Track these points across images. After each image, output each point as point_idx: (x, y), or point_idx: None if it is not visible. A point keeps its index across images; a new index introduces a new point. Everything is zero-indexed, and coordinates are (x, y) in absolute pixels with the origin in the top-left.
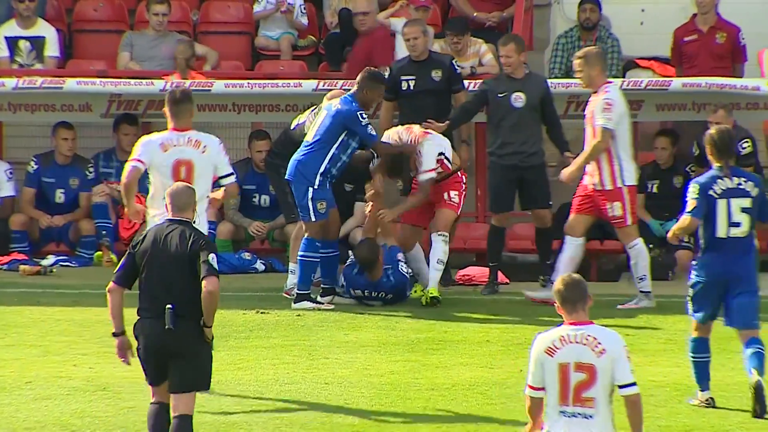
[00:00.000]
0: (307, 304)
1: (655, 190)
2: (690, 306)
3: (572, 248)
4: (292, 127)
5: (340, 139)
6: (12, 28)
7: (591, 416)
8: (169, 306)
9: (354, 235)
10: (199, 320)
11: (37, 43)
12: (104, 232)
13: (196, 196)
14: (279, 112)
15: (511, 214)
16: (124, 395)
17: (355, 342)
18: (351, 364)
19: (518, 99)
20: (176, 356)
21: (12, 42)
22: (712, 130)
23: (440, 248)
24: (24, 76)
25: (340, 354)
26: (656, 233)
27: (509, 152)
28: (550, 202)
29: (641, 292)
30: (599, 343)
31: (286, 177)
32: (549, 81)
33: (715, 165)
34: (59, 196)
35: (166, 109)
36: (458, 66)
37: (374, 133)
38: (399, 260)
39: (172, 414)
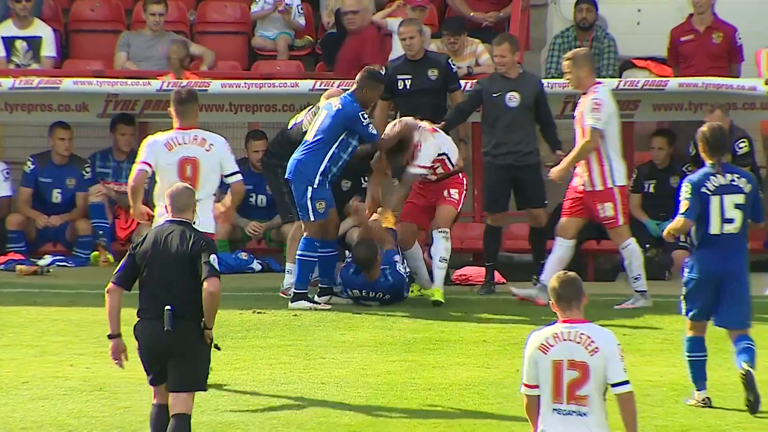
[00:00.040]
0: (304, 303)
1: (651, 190)
2: (683, 305)
3: (562, 250)
4: (289, 126)
5: (340, 138)
6: (9, 27)
7: (585, 414)
8: (167, 307)
9: (351, 235)
10: (199, 321)
11: (34, 43)
12: (101, 232)
13: (203, 194)
14: (276, 112)
15: (508, 214)
16: (120, 395)
17: (352, 342)
18: (348, 364)
19: (512, 99)
20: (175, 356)
21: (8, 42)
22: (704, 128)
23: (442, 246)
24: (21, 76)
25: (336, 354)
26: (653, 233)
27: (504, 152)
28: (546, 202)
29: (637, 291)
30: (592, 342)
31: (285, 176)
32: (546, 81)
33: (708, 162)
34: (56, 196)
35: (172, 109)
36: (455, 66)
37: (375, 132)
38: (396, 261)
39: (170, 413)
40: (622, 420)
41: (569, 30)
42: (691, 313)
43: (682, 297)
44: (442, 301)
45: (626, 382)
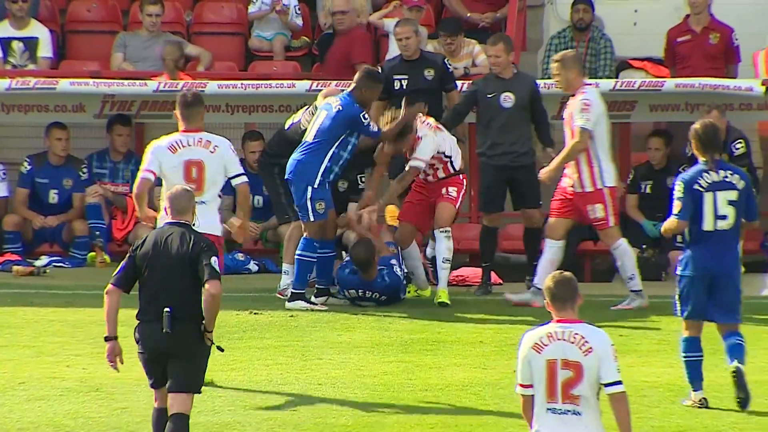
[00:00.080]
0: (301, 303)
1: (648, 190)
2: (678, 304)
3: (552, 251)
4: (286, 127)
5: (341, 138)
6: (5, 28)
7: (579, 413)
8: (167, 309)
9: (348, 236)
10: (199, 323)
11: (31, 43)
12: (97, 232)
13: (209, 197)
14: (272, 112)
15: (504, 214)
16: (117, 396)
17: (349, 343)
18: (344, 365)
19: (507, 99)
20: (174, 357)
21: (5, 43)
22: (697, 125)
23: (444, 245)
24: (17, 76)
25: (333, 355)
26: (649, 233)
27: (499, 153)
28: (540, 202)
29: (632, 291)
30: (587, 342)
31: (285, 176)
32: (542, 82)
33: (701, 159)
34: (53, 196)
35: (177, 112)
36: (451, 66)
37: (377, 129)
38: (393, 264)
39: (168, 413)
40: (616, 421)
41: (566, 31)
42: (685, 313)
43: (676, 297)
44: (448, 302)
45: (619, 383)
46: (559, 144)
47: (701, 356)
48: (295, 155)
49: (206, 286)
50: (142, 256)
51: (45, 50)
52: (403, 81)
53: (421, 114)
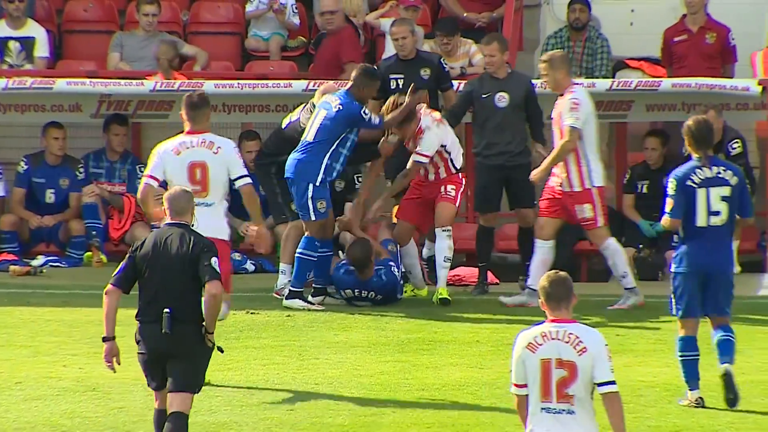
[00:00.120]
0: (298, 302)
1: (645, 190)
2: (673, 303)
3: (543, 251)
4: (284, 126)
5: (341, 136)
6: (2, 28)
7: (573, 412)
8: (166, 310)
9: (345, 235)
10: (199, 323)
11: (27, 43)
12: (94, 232)
13: (215, 198)
14: (269, 112)
15: (500, 214)
16: (113, 396)
17: (345, 342)
18: (341, 365)
19: (502, 99)
20: (174, 358)
21: (2, 42)
22: (690, 122)
23: (445, 245)
24: (14, 76)
25: (330, 354)
26: (646, 233)
27: (495, 152)
28: (535, 202)
29: (626, 289)
30: (581, 342)
31: (285, 175)
32: (539, 81)
33: (695, 156)
34: (49, 196)
35: (183, 113)
36: (447, 66)
37: (379, 120)
38: (391, 264)
39: (167, 412)
40: (609, 421)
41: (562, 30)
42: (680, 311)
43: (672, 296)
44: (449, 298)
45: (612, 382)
46: (547, 143)
47: (698, 355)
48: (295, 154)
49: (207, 286)
50: (142, 256)
51: (42, 50)
52: (399, 80)
53: (424, 105)
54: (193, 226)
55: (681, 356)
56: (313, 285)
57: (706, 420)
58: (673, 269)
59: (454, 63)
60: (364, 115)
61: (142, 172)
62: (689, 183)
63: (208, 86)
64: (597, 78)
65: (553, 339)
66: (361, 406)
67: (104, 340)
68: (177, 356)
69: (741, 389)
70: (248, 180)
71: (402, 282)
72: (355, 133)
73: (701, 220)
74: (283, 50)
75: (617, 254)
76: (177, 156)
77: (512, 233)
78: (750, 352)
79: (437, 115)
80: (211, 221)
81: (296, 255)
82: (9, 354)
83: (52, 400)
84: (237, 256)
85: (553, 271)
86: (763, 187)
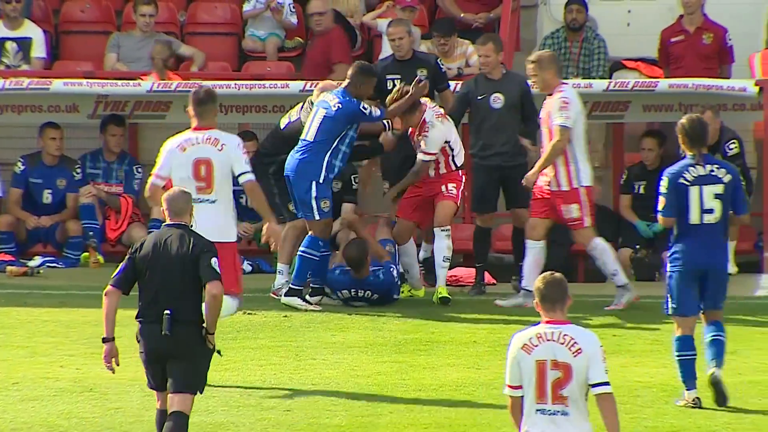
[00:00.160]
0: (297, 300)
1: (641, 191)
2: (669, 302)
3: (534, 252)
4: (282, 126)
5: (342, 134)
6: None
7: (568, 414)
8: (167, 312)
9: (341, 235)
10: (199, 324)
11: (24, 44)
12: (91, 233)
13: (220, 195)
14: (266, 113)
15: (497, 215)
16: (110, 396)
17: (342, 343)
18: (338, 365)
19: (497, 100)
20: (174, 358)
21: None
22: (684, 120)
23: (444, 244)
24: (10, 77)
25: (327, 355)
26: (643, 234)
27: (491, 153)
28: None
29: (618, 287)
30: (576, 343)
31: (285, 174)
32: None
33: (688, 154)
34: (46, 196)
35: (190, 109)
36: (444, 66)
37: (379, 111)
38: (390, 264)
39: (168, 412)
40: (603, 422)
41: (559, 31)
42: (675, 310)
43: (668, 295)
44: (449, 297)
45: (607, 383)
46: (536, 142)
47: (694, 355)
48: (296, 154)
49: (207, 287)
50: (142, 257)
51: (38, 50)
52: (396, 81)
53: (428, 99)
54: (191, 226)
55: (678, 356)
56: (311, 285)
57: (703, 420)
58: (668, 268)
59: (451, 63)
60: (363, 109)
61: (139, 172)
62: (681, 181)
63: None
64: (594, 79)
65: (548, 340)
66: (358, 406)
67: (104, 341)
68: (177, 357)
69: (738, 390)
70: (251, 177)
71: (399, 282)
72: (355, 129)
73: (694, 218)
74: (280, 51)
75: (605, 253)
76: (182, 153)
77: (509, 234)
78: (747, 352)
79: (440, 109)
80: (218, 219)
81: (298, 253)
82: (6, 354)
83: (49, 401)
84: None
85: (549, 272)
86: (760, 188)
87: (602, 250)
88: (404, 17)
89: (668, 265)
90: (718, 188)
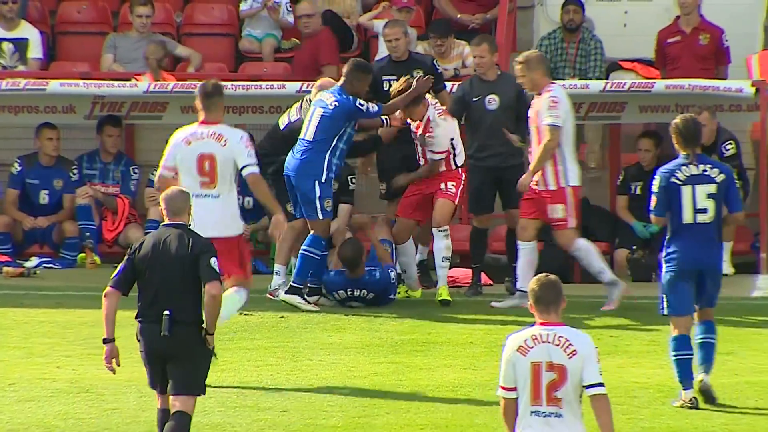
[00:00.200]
0: (297, 298)
1: (638, 191)
2: (665, 302)
3: (526, 252)
4: (282, 126)
5: (340, 131)
6: None
7: (562, 416)
8: (166, 312)
9: (337, 236)
10: (199, 325)
11: (20, 44)
12: (88, 233)
13: (223, 190)
14: (263, 113)
15: (494, 215)
16: (107, 397)
17: (339, 344)
18: (334, 366)
19: (492, 101)
20: (176, 359)
21: None
22: (677, 119)
23: (443, 245)
24: (7, 77)
25: (323, 356)
26: (640, 234)
27: (487, 154)
28: None
29: (607, 284)
30: (571, 345)
31: (285, 173)
32: None
33: (682, 153)
34: (43, 197)
35: (198, 102)
36: (440, 67)
37: (377, 108)
38: (389, 266)
39: (171, 412)
40: (597, 422)
41: (556, 32)
42: (672, 310)
43: (664, 295)
44: (450, 299)
45: (601, 384)
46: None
47: (691, 354)
48: (296, 153)
49: (206, 287)
50: (142, 258)
51: (35, 51)
52: (392, 82)
53: (431, 96)
54: (190, 225)
55: (674, 356)
56: (309, 285)
57: (699, 421)
58: (663, 268)
59: (448, 65)
60: (360, 106)
61: (135, 173)
62: (673, 180)
63: None
64: (590, 79)
65: (543, 342)
66: (354, 407)
67: (104, 342)
68: (177, 358)
69: (735, 390)
70: (254, 169)
71: (396, 284)
72: (353, 126)
73: (688, 217)
74: (276, 52)
75: (589, 253)
76: (187, 146)
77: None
78: (743, 353)
79: (441, 107)
80: (222, 213)
81: (300, 252)
82: (2, 355)
83: (45, 402)
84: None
85: (543, 274)
86: (757, 189)
87: (586, 250)
88: (400, 18)
89: (663, 264)
90: (711, 188)
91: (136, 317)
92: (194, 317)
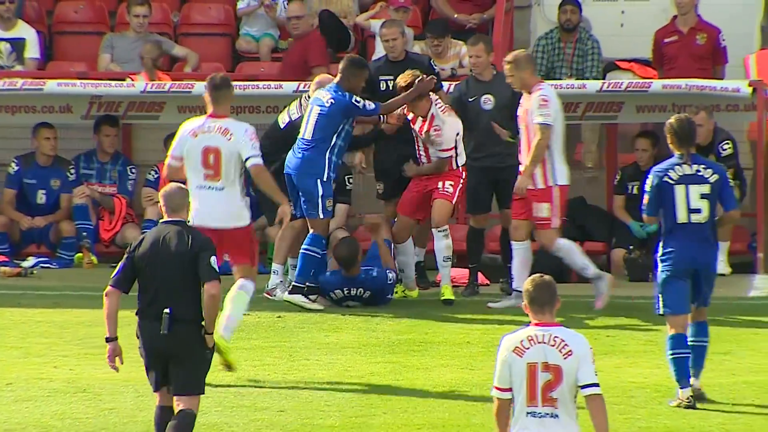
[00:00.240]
0: (300, 298)
1: (635, 191)
2: (660, 301)
3: (520, 253)
4: (282, 126)
5: (339, 129)
6: None
7: (557, 416)
8: (166, 310)
9: (335, 236)
10: (199, 322)
11: (18, 44)
12: (85, 233)
13: (227, 183)
14: (259, 113)
15: (491, 215)
16: (104, 397)
17: (336, 343)
18: (331, 366)
19: (487, 101)
20: (176, 359)
21: None
22: (672, 119)
23: (443, 244)
24: (4, 77)
25: (320, 355)
26: (636, 234)
27: (484, 155)
28: None
29: (593, 279)
30: (566, 345)
31: (286, 171)
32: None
33: (676, 153)
34: (40, 197)
35: (206, 95)
36: (437, 67)
37: (373, 105)
38: (387, 267)
39: (175, 410)
40: (592, 422)
41: (553, 32)
42: (668, 309)
43: (660, 295)
44: (453, 298)
45: (596, 385)
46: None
47: (688, 353)
48: (296, 152)
49: (206, 287)
50: (141, 256)
51: (32, 51)
52: (389, 82)
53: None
54: (188, 222)
55: (671, 354)
56: (307, 283)
57: (696, 421)
58: (659, 267)
59: (445, 65)
60: (356, 103)
61: (133, 173)
62: (666, 179)
63: (199, 87)
64: (587, 79)
65: (539, 343)
66: (351, 407)
67: (107, 340)
68: (178, 357)
69: (732, 390)
70: (257, 160)
71: (394, 285)
72: (351, 123)
73: (682, 217)
74: (273, 52)
75: (571, 251)
76: (194, 138)
77: None
78: (741, 353)
79: (443, 104)
80: (227, 205)
81: (301, 251)
82: None
83: (42, 401)
84: (227, 257)
85: (538, 274)
86: (754, 189)
87: (567, 249)
88: (397, 18)
89: (659, 264)
90: (705, 188)
91: (137, 314)
92: (194, 315)
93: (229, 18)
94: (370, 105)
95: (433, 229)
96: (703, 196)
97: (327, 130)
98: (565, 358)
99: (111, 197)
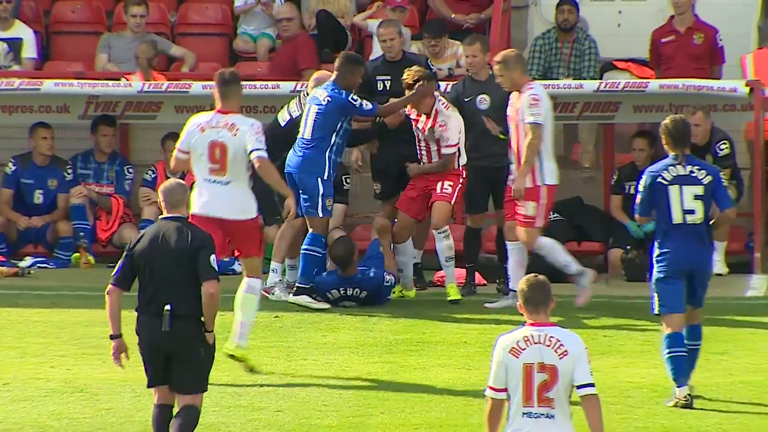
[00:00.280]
0: (305, 298)
1: (632, 191)
2: (656, 301)
3: (515, 252)
4: (283, 124)
5: (337, 127)
6: None
7: (553, 416)
8: (167, 307)
9: (332, 235)
10: (199, 318)
11: (15, 44)
12: (82, 233)
13: (232, 177)
14: (257, 113)
15: (488, 215)
16: (101, 397)
17: (333, 343)
18: (329, 366)
19: (483, 101)
20: (175, 357)
21: None
22: (667, 120)
23: (444, 245)
24: (1, 77)
25: (318, 355)
26: (634, 234)
27: (480, 155)
28: None
29: (575, 275)
30: (562, 345)
31: (286, 170)
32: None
33: (671, 154)
34: (38, 197)
35: (215, 90)
36: (434, 67)
37: (371, 105)
38: (386, 270)
39: (176, 408)
40: (587, 422)
41: (550, 32)
42: (664, 309)
43: (655, 294)
44: (459, 298)
45: (592, 385)
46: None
47: (684, 352)
48: (297, 152)
49: (204, 286)
50: (140, 253)
51: (29, 51)
52: (386, 82)
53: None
54: (188, 217)
55: (668, 353)
56: (298, 284)
57: (693, 421)
58: (654, 267)
59: (442, 64)
60: (353, 101)
61: (130, 173)
62: (660, 180)
63: (196, 87)
64: (585, 79)
65: (535, 343)
66: (348, 407)
67: (111, 338)
68: (178, 353)
69: (729, 390)
70: (262, 153)
71: (391, 286)
72: (349, 121)
73: (677, 218)
74: (271, 52)
75: (553, 249)
76: (201, 133)
77: None
78: (738, 353)
79: (445, 100)
80: (233, 198)
81: (302, 252)
82: None
83: (39, 401)
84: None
85: (533, 274)
86: (751, 189)
87: (549, 247)
88: (395, 18)
89: (654, 264)
90: (698, 189)
91: (137, 309)
92: (194, 311)
93: (227, 18)
94: (367, 105)
95: (433, 231)
96: (696, 197)
97: (326, 128)
98: (560, 358)
99: (108, 197)
